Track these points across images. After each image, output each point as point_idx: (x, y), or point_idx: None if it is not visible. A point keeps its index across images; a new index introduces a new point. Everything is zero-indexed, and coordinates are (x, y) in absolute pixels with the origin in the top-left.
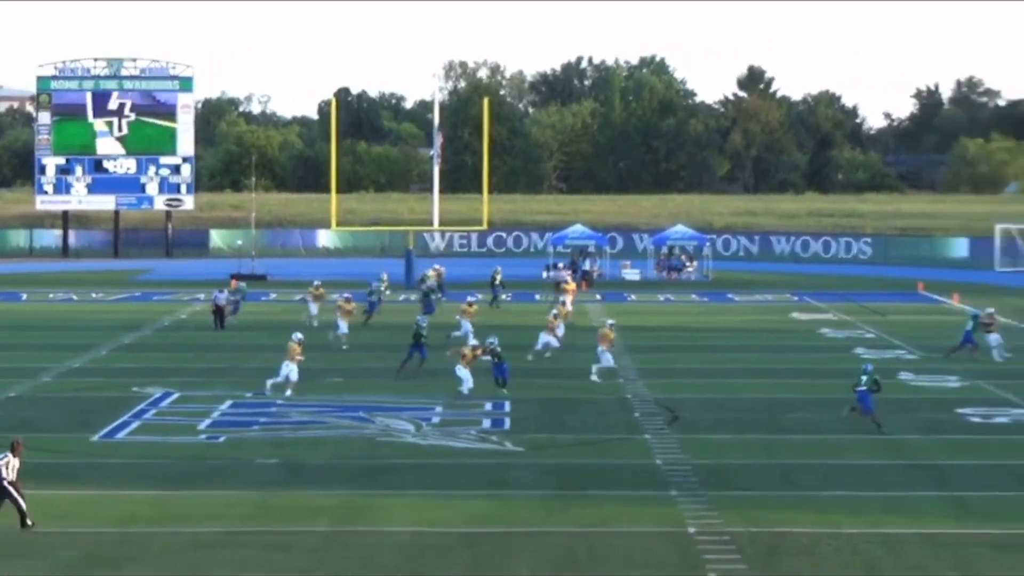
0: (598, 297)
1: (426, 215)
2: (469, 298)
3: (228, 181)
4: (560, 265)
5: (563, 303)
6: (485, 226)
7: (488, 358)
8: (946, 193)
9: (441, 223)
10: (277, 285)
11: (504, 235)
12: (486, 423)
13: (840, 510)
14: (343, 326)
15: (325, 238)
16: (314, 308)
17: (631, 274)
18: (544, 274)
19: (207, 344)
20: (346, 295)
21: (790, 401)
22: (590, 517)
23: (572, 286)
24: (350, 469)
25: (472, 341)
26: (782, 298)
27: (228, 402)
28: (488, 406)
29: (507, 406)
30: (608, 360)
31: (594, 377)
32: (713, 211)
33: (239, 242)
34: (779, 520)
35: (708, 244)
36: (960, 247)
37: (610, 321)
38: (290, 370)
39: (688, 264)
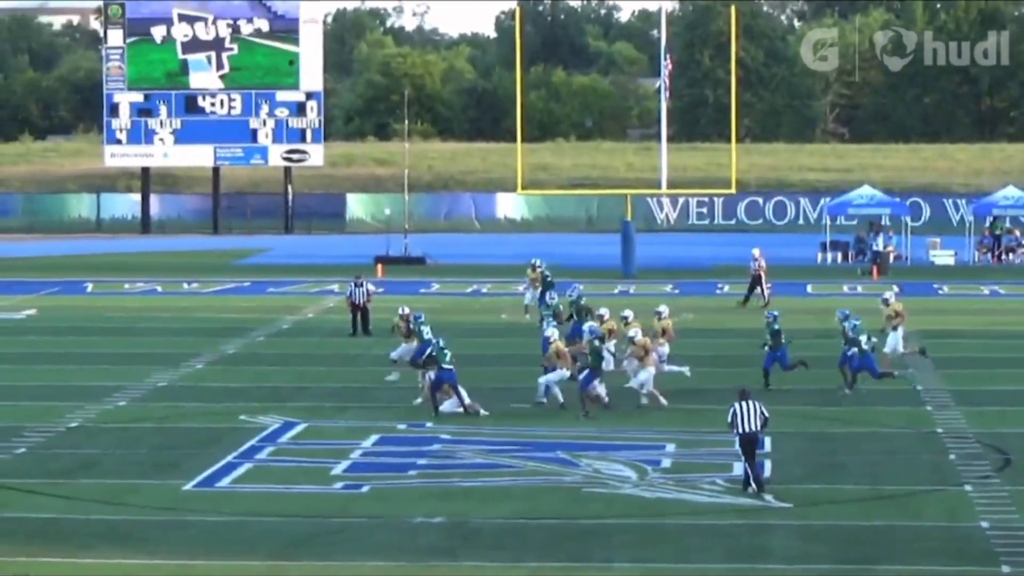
0: (895, 288)
1: (651, 173)
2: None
3: (371, 125)
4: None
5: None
6: (734, 188)
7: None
8: None
9: (671, 184)
10: (440, 272)
11: (760, 200)
12: (737, 468)
13: None
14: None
15: (507, 205)
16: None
17: (942, 256)
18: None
19: (344, 355)
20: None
21: None
22: None
23: None
24: (543, 532)
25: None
26: None
27: (373, 436)
28: None
29: (767, 444)
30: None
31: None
32: None
33: (387, 211)
34: None
35: None
36: None
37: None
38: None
39: None
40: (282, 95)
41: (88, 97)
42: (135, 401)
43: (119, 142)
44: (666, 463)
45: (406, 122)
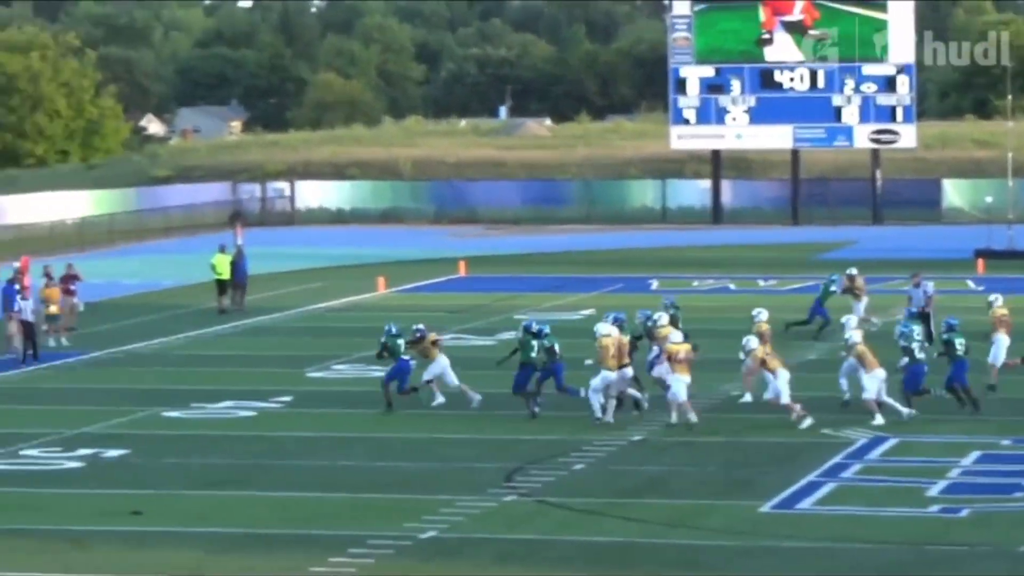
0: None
1: None
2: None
3: (969, 102)
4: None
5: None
6: None
7: None
8: None
9: None
10: None
11: None
12: None
13: None
14: None
15: None
16: None
17: None
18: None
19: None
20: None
21: None
22: None
23: None
24: None
25: None
26: None
27: (974, 454)
28: None
29: None
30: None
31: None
32: None
33: (988, 199)
34: None
35: None
36: None
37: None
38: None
39: None
40: (869, 69)
41: (651, 72)
42: (704, 412)
43: (686, 122)
44: None
45: (1009, 98)
